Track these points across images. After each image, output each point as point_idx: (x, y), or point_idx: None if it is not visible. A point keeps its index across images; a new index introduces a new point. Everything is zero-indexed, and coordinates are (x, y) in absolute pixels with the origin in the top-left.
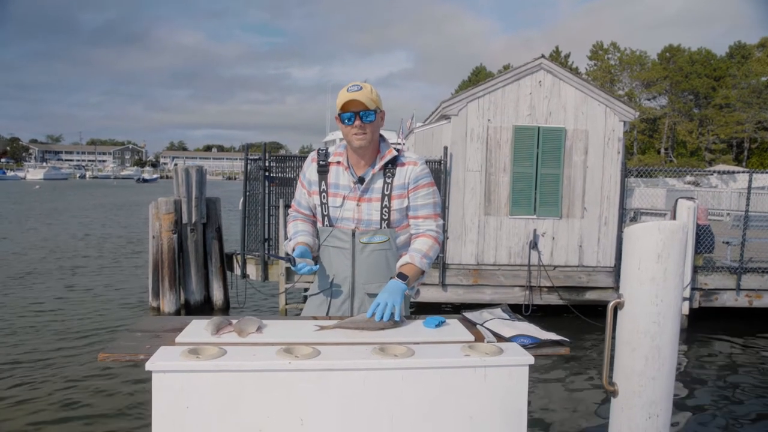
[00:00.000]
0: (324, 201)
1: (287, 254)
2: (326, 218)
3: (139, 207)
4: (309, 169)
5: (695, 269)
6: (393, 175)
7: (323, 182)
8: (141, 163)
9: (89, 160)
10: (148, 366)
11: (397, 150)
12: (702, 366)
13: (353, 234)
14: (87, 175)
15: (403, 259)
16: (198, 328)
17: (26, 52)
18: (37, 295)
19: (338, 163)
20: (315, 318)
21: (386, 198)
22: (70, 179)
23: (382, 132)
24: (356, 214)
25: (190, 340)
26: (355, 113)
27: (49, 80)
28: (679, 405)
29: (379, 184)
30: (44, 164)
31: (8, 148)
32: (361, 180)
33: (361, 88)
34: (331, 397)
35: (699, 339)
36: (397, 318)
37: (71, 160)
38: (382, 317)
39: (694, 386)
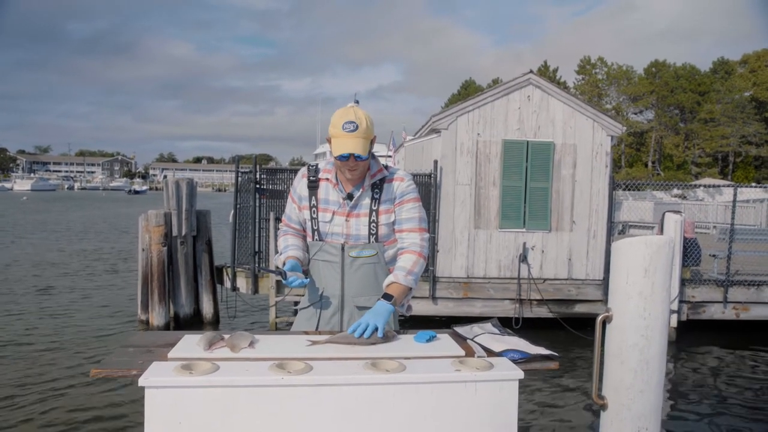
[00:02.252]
0: (314, 216)
1: (277, 268)
2: (316, 233)
3: (131, 219)
4: (299, 185)
5: (683, 282)
6: (381, 190)
7: (313, 197)
8: (130, 175)
9: (78, 172)
10: (141, 382)
11: (386, 167)
12: (691, 379)
13: (342, 248)
14: (75, 187)
15: (388, 278)
16: (190, 344)
17: (14, 62)
18: (23, 310)
19: (327, 179)
20: (306, 333)
21: (374, 213)
22: (58, 190)
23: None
24: (345, 229)
25: (182, 355)
26: (350, 153)
27: (38, 90)
28: (668, 418)
29: (367, 199)
30: (32, 175)
31: None
32: (350, 196)
33: (357, 126)
34: (324, 412)
35: (687, 352)
36: (380, 335)
37: (59, 171)
38: (368, 334)
39: (683, 399)
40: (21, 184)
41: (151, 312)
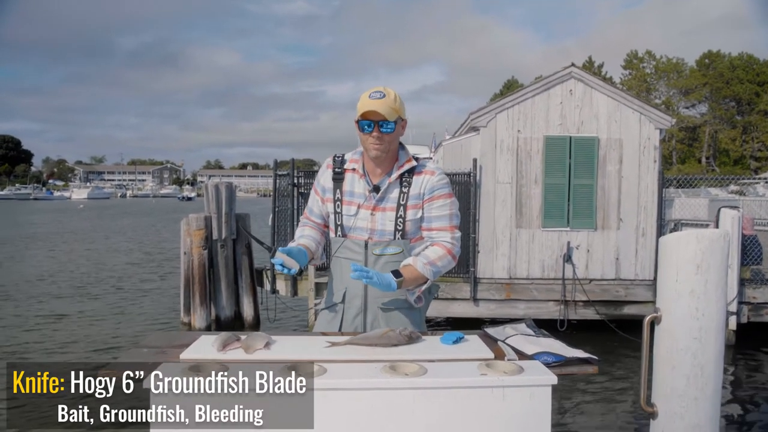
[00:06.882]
0: (338, 210)
1: (264, 244)
2: (339, 228)
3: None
4: (324, 176)
5: (742, 282)
6: (409, 184)
7: (338, 190)
8: (179, 182)
9: (130, 180)
10: (146, 383)
11: (417, 159)
12: (752, 386)
13: (366, 245)
14: (128, 194)
15: (406, 260)
16: (205, 344)
17: (70, 77)
18: (73, 308)
19: (354, 170)
20: (325, 334)
21: (401, 208)
22: (111, 198)
23: (414, 146)
24: (370, 224)
25: (194, 356)
26: (374, 122)
27: (92, 103)
28: (726, 429)
29: (395, 193)
30: (88, 184)
31: (56, 169)
32: (376, 188)
33: (384, 95)
34: (338, 418)
35: (748, 356)
36: (365, 281)
37: (113, 180)
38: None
39: (743, 408)
40: (78, 192)
41: (193, 314)
